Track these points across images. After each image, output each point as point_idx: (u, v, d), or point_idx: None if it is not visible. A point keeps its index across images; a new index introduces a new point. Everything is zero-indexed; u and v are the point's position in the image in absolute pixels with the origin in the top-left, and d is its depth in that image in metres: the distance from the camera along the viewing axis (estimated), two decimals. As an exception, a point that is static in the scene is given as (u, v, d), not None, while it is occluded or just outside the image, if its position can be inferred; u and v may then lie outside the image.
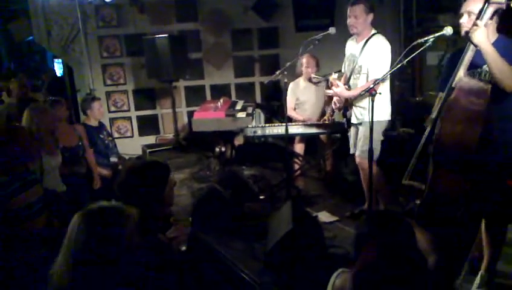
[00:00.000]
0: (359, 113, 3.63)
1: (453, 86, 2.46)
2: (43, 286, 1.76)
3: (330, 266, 2.63)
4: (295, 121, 4.82)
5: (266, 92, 6.69)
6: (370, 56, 3.53)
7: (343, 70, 3.96)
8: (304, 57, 4.67)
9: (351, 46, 3.76)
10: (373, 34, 3.58)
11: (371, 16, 3.54)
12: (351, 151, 3.83)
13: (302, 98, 4.87)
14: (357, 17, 3.50)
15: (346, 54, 3.85)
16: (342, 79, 3.90)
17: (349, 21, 3.56)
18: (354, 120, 3.69)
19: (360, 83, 3.61)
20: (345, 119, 3.87)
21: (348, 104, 3.75)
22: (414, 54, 2.86)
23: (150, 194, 2.14)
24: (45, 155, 3.56)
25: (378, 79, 3.11)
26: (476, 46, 2.36)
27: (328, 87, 4.08)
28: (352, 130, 3.78)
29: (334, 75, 3.84)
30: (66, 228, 1.67)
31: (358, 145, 3.66)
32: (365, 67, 3.57)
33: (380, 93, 3.09)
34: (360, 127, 3.64)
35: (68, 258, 1.59)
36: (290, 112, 4.82)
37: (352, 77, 3.69)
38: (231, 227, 3.53)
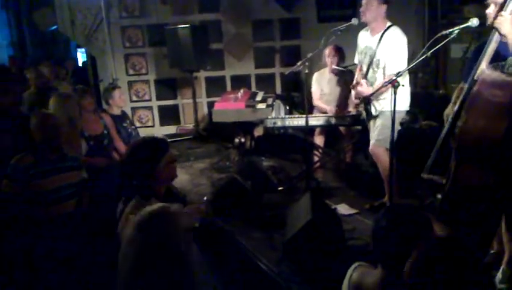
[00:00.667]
0: (378, 104, 3.61)
1: (475, 78, 2.42)
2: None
3: (348, 258, 2.64)
4: (317, 112, 4.80)
5: (286, 83, 6.67)
6: (387, 49, 3.50)
7: (356, 62, 3.94)
8: (328, 48, 4.63)
9: (366, 38, 3.72)
10: (389, 27, 3.54)
11: (383, 7, 3.50)
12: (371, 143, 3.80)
13: (325, 89, 4.84)
14: (368, 4, 3.48)
15: (359, 45, 3.81)
16: (357, 72, 3.88)
17: (361, 8, 3.55)
18: (373, 112, 3.67)
19: (379, 76, 3.59)
20: (365, 112, 3.85)
21: (368, 98, 3.72)
22: (438, 46, 2.82)
23: (143, 170, 2.13)
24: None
25: (400, 71, 3.08)
26: (502, 36, 2.32)
27: (351, 80, 4.06)
28: (372, 122, 3.76)
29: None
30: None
31: (374, 134, 3.64)
32: (383, 61, 3.55)
33: (403, 85, 3.06)
34: (378, 118, 3.62)
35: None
36: (316, 102, 4.82)
37: (370, 70, 3.67)
38: (250, 217, 3.56)
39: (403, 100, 3.52)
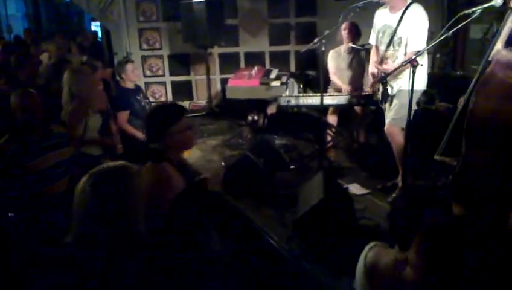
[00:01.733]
0: (396, 83, 3.56)
1: (489, 59, 2.37)
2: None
3: (359, 237, 2.65)
4: (331, 89, 4.76)
5: (301, 61, 6.60)
6: (410, 27, 3.42)
7: (371, 42, 3.86)
8: (344, 24, 4.56)
9: (385, 17, 3.64)
10: (410, 3, 3.45)
11: None
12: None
13: (342, 65, 4.79)
14: None
15: (376, 24, 3.74)
16: (373, 51, 3.81)
17: None
18: (390, 91, 3.62)
19: (400, 55, 3.52)
20: (381, 93, 3.79)
21: (385, 78, 3.67)
22: (459, 26, 2.74)
23: (156, 132, 2.17)
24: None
25: (420, 51, 3.02)
26: None
27: (367, 59, 4.00)
28: (388, 102, 3.71)
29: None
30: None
31: (390, 114, 3.60)
32: (405, 39, 3.47)
33: (421, 65, 3.01)
34: (395, 97, 3.58)
35: (78, 220, 1.62)
36: (333, 77, 4.80)
37: (390, 49, 3.60)
38: (262, 195, 3.58)
39: (421, 80, 3.46)
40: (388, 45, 3.58)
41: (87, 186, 1.61)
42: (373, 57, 3.79)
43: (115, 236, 1.60)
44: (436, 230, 1.55)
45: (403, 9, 3.44)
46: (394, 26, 3.50)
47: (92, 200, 1.59)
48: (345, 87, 4.67)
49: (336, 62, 4.81)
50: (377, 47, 3.77)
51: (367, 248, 1.84)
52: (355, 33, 4.65)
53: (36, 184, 2.82)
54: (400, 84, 3.51)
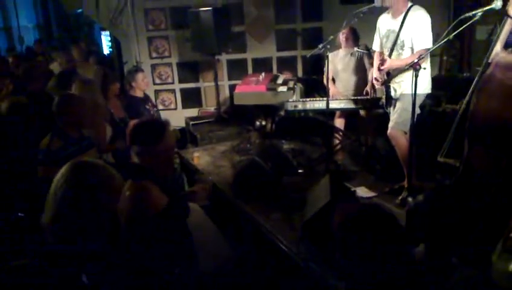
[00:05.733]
0: (398, 86, 3.60)
1: (489, 61, 2.41)
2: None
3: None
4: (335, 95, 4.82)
5: (308, 66, 6.65)
6: (413, 29, 3.46)
7: (375, 48, 3.90)
8: (342, 30, 4.61)
9: (387, 22, 3.69)
10: (411, 6, 3.50)
11: None
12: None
13: (339, 66, 4.83)
14: None
15: (380, 30, 3.78)
16: (376, 56, 3.85)
17: None
18: (393, 94, 3.66)
19: (405, 57, 3.56)
20: (385, 96, 3.83)
21: (388, 80, 3.71)
22: (461, 29, 2.80)
23: (138, 152, 2.22)
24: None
25: (422, 54, 3.06)
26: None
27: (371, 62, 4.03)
28: (392, 105, 3.75)
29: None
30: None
31: (393, 117, 3.64)
32: (409, 41, 3.51)
33: (424, 68, 3.05)
34: (398, 101, 3.61)
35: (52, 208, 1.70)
36: (326, 82, 4.83)
37: (394, 53, 3.64)
38: (270, 198, 3.62)
39: (424, 83, 3.50)
40: (392, 49, 3.62)
41: (65, 175, 1.71)
42: (376, 62, 3.83)
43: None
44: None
45: (405, 12, 3.49)
46: (397, 30, 3.54)
47: (65, 188, 1.69)
48: (341, 90, 4.70)
49: (334, 65, 4.84)
50: (381, 53, 3.81)
51: None
52: (354, 37, 4.70)
53: None
54: (403, 88, 3.55)
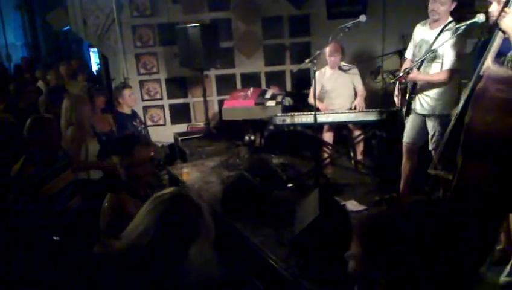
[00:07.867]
0: (426, 103, 3.56)
1: (480, 74, 2.42)
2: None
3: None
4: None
5: (297, 81, 6.68)
6: (447, 45, 3.37)
7: (407, 56, 3.85)
8: (328, 46, 4.63)
9: (423, 32, 3.61)
10: (450, 22, 3.41)
11: (454, 4, 3.40)
12: (404, 139, 3.79)
13: (328, 86, 4.85)
14: (443, 4, 3.35)
15: (415, 38, 3.71)
16: (406, 64, 3.80)
17: (433, 6, 3.39)
18: (418, 109, 3.62)
19: (431, 72, 3.52)
20: (406, 106, 3.74)
21: (413, 92, 3.66)
22: (445, 42, 2.81)
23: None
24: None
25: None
26: (504, 32, 2.33)
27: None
28: (411, 117, 3.71)
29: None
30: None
31: (433, 139, 3.55)
32: (440, 56, 3.45)
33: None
34: (429, 119, 3.58)
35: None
36: (310, 100, 4.83)
37: (424, 63, 3.55)
38: (259, 213, 3.59)
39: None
40: (422, 60, 3.53)
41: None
42: (404, 69, 3.72)
43: None
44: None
45: (443, 25, 3.42)
46: (431, 42, 3.46)
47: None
48: (324, 107, 4.74)
49: (321, 83, 4.84)
50: (411, 61, 3.74)
51: None
52: (340, 53, 4.73)
53: (50, 207, 2.89)
54: (432, 105, 3.54)
